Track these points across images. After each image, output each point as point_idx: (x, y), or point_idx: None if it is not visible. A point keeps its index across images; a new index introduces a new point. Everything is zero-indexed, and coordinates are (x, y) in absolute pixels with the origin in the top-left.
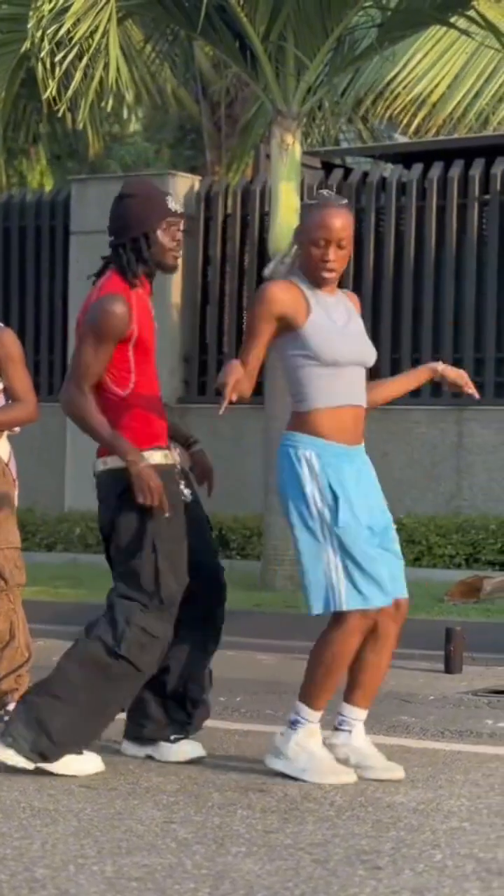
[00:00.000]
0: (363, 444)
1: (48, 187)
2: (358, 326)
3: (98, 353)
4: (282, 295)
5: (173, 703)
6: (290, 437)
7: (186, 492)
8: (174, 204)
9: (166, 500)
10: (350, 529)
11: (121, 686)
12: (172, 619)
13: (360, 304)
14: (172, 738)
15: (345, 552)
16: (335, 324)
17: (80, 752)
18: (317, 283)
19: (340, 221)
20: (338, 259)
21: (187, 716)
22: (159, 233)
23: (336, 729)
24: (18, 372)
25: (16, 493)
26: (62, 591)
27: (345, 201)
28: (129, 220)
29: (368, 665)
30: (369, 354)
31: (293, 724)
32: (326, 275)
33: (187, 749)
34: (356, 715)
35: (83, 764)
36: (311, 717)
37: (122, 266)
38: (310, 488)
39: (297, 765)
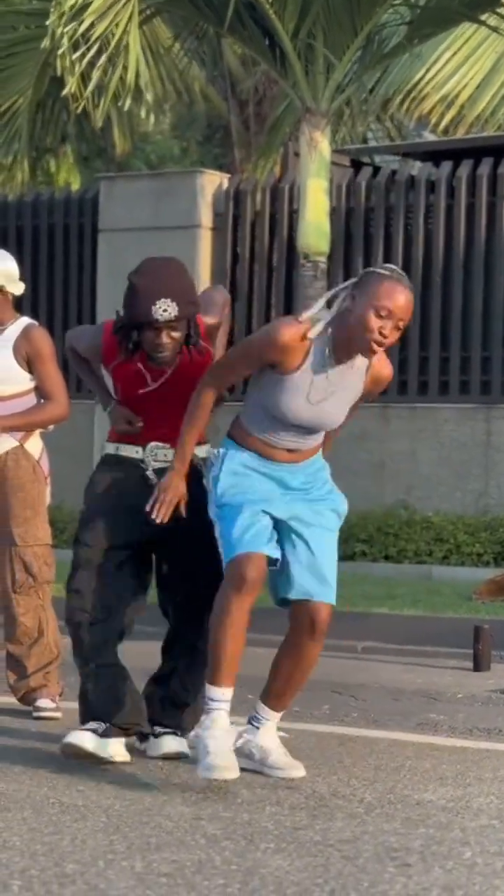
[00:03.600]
0: (305, 462)
1: (75, 186)
2: (338, 401)
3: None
4: (291, 343)
5: (171, 703)
6: (222, 442)
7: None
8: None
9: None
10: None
11: None
12: None
13: None
14: (158, 732)
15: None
16: (307, 397)
17: None
18: (352, 348)
19: (407, 302)
20: (390, 337)
21: (180, 717)
22: (146, 332)
23: (248, 723)
24: (49, 370)
25: (48, 490)
26: None
27: (410, 285)
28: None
29: (281, 673)
30: (328, 425)
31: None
32: (375, 346)
33: (173, 744)
34: (267, 714)
35: None
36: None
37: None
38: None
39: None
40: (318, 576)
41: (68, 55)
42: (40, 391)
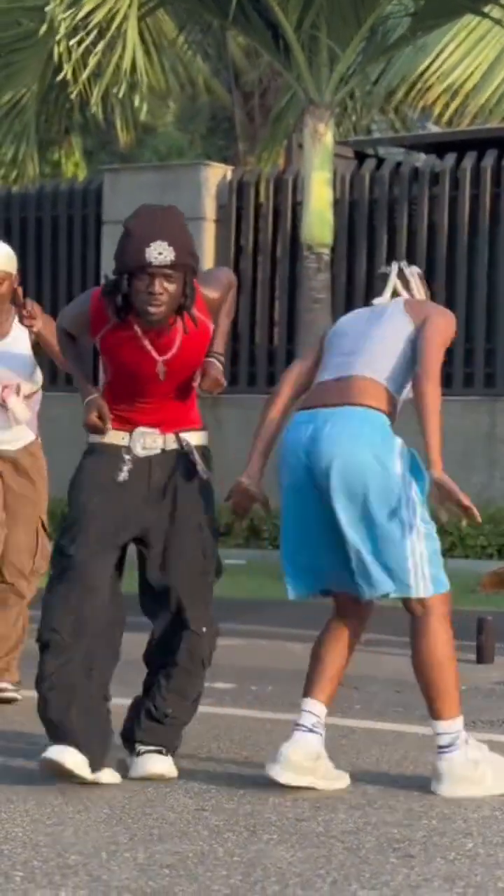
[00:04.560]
0: None
1: (81, 178)
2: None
3: None
4: None
5: (151, 717)
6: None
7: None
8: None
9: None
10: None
11: None
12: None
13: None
14: (141, 749)
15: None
16: None
17: None
18: None
19: None
20: None
21: (163, 733)
22: (138, 281)
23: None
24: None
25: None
26: None
27: None
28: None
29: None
30: None
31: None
32: None
33: (157, 764)
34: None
35: None
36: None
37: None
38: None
39: (483, 781)
40: None
41: (65, 40)
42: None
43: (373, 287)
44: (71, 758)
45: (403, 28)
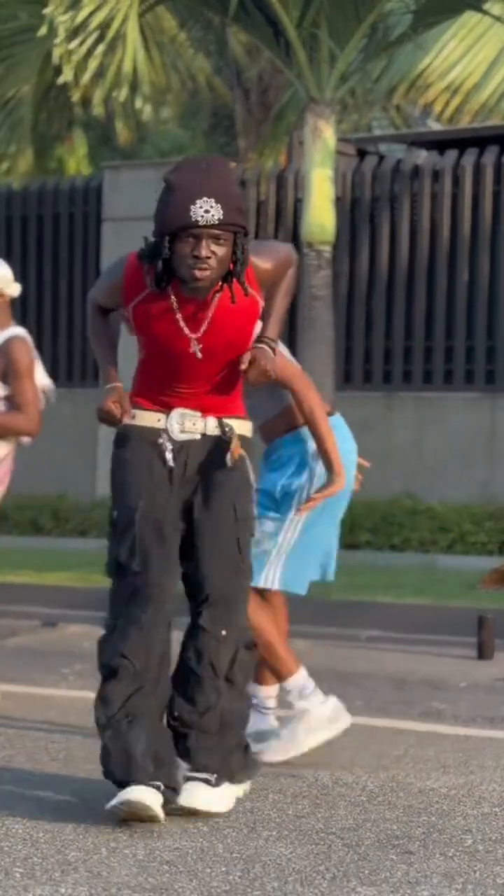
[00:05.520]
0: None
1: (86, 174)
2: None
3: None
4: None
5: (172, 727)
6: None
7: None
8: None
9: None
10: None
11: None
12: None
13: (393, 290)
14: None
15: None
16: None
17: None
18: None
19: None
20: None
21: (202, 752)
22: (182, 243)
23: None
24: (24, 385)
25: (1, 490)
26: (95, 578)
27: None
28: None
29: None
30: None
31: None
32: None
33: (200, 795)
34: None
35: None
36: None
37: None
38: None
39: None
40: None
41: (64, 44)
42: (13, 402)
43: (374, 284)
44: (152, 797)
45: (404, 26)
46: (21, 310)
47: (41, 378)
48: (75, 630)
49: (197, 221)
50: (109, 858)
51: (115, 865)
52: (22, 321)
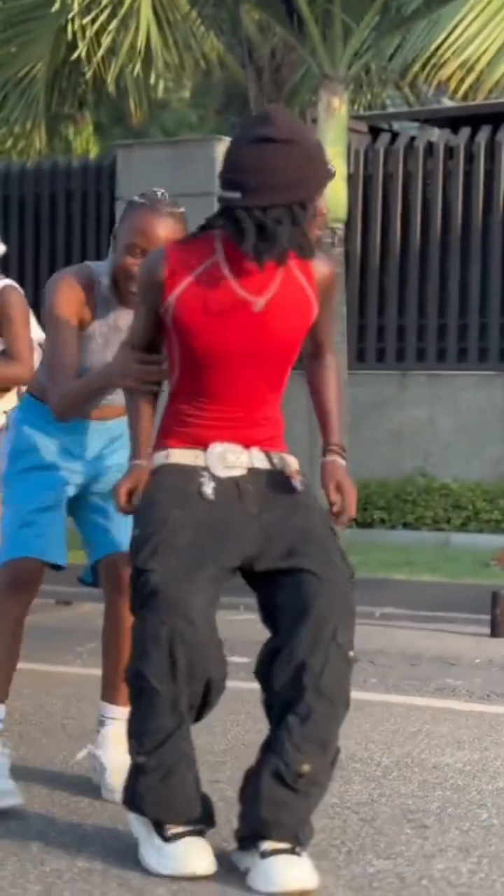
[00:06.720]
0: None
1: (94, 154)
2: None
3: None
4: None
5: (285, 783)
6: None
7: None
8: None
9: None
10: None
11: None
12: None
13: (406, 268)
14: (266, 849)
15: None
16: None
17: None
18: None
19: (167, 233)
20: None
21: (294, 814)
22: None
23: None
24: (18, 331)
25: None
26: None
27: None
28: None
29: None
30: None
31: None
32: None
33: (297, 873)
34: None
35: None
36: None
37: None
38: None
39: None
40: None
41: (79, 18)
42: (7, 352)
43: (387, 262)
44: (207, 850)
45: (418, 2)
46: (34, 289)
47: (36, 331)
48: (90, 608)
49: (330, 170)
50: (125, 833)
51: (131, 840)
52: (34, 301)
